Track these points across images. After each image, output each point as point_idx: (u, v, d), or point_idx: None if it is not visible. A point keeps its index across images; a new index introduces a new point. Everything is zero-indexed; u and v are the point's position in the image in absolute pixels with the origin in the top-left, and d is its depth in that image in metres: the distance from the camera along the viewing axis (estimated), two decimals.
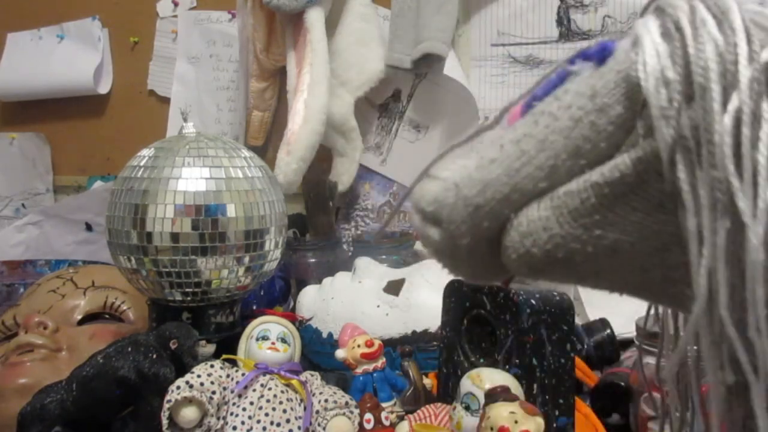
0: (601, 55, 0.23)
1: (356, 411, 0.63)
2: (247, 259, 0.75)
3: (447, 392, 0.68)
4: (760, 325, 0.19)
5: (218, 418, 0.61)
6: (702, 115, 0.19)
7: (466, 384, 0.59)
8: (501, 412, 0.51)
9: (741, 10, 0.20)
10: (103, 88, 1.34)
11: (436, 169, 0.25)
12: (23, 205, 1.43)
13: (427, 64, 1.05)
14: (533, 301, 0.60)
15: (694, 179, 0.19)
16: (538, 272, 0.24)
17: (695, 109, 0.19)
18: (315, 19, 0.98)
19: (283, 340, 0.69)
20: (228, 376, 0.63)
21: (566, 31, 1.03)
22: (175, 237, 0.71)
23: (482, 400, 0.56)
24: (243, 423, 0.60)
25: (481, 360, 0.66)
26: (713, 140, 0.19)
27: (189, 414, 0.58)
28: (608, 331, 0.82)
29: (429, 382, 0.72)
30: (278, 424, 0.61)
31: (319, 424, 0.62)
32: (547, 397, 0.61)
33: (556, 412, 0.62)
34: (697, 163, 0.19)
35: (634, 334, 0.70)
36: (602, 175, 0.22)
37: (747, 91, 0.19)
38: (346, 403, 0.64)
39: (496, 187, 0.23)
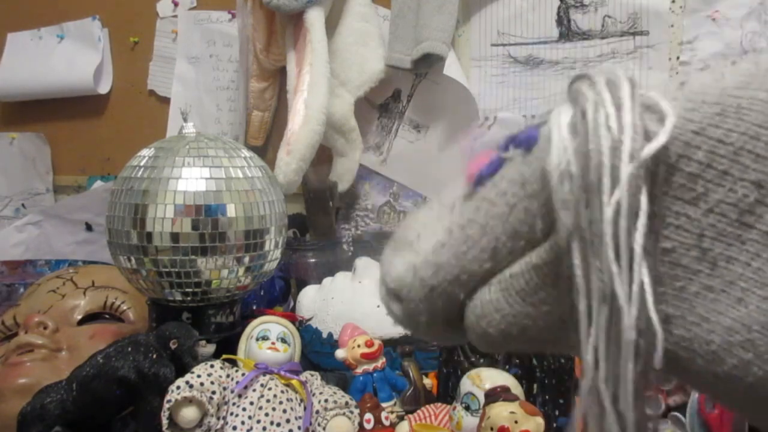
0: (527, 144, 0.24)
1: (356, 411, 0.64)
2: (247, 259, 0.75)
3: (447, 392, 0.68)
4: (628, 398, 0.21)
5: (218, 418, 0.61)
6: (592, 207, 0.21)
7: (466, 384, 0.59)
8: (501, 412, 0.51)
9: (634, 98, 0.21)
10: (103, 88, 1.34)
11: (403, 237, 0.27)
12: (23, 205, 1.43)
13: (427, 64, 1.04)
14: None
15: (588, 266, 0.21)
16: (498, 347, 0.26)
17: (590, 200, 0.21)
18: (315, 19, 0.98)
19: (283, 340, 0.69)
20: (228, 376, 0.63)
21: (566, 31, 1.03)
22: (175, 237, 0.71)
23: (482, 400, 0.56)
24: (243, 423, 0.60)
25: (481, 360, 0.66)
26: (599, 230, 0.21)
27: (189, 414, 0.58)
28: None
29: (429, 382, 0.72)
30: (278, 424, 0.61)
31: (319, 424, 0.62)
32: (547, 397, 0.61)
33: (556, 412, 0.62)
34: (590, 251, 0.21)
35: None
36: (540, 257, 0.23)
37: (626, 186, 0.20)
38: (346, 403, 0.64)
39: (447, 270, 0.25)
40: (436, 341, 0.30)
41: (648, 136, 0.21)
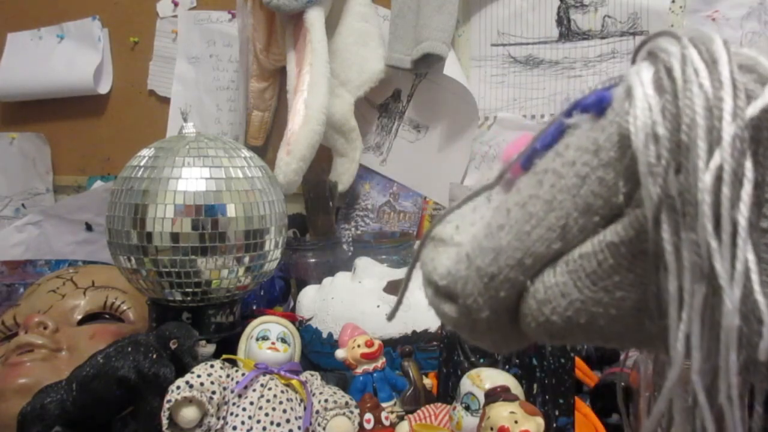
0: (599, 106, 0.22)
1: (356, 411, 0.63)
2: (247, 259, 0.75)
3: (447, 392, 0.68)
4: (731, 393, 0.18)
5: (218, 418, 0.61)
6: (686, 174, 0.18)
7: (466, 384, 0.59)
8: (501, 412, 0.51)
9: (731, 55, 0.19)
10: (103, 88, 1.34)
11: (441, 232, 0.24)
12: (23, 205, 1.43)
13: (427, 64, 1.05)
14: None
15: (679, 240, 0.18)
16: (560, 338, 0.23)
17: (682, 167, 0.19)
18: (315, 19, 0.98)
19: (283, 340, 0.69)
20: (228, 376, 0.63)
21: (566, 31, 1.03)
22: (175, 237, 0.71)
23: (482, 400, 0.56)
24: (243, 423, 0.60)
25: (481, 360, 0.66)
26: (694, 199, 0.18)
27: (189, 414, 0.58)
28: None
29: (429, 382, 0.72)
30: (278, 424, 0.61)
31: (319, 424, 0.62)
32: (547, 397, 0.61)
33: (556, 412, 0.62)
34: (682, 223, 0.18)
35: None
36: (617, 234, 0.21)
37: (729, 148, 0.18)
38: (346, 403, 0.64)
39: (509, 254, 0.22)
40: (499, 347, 0.25)
41: (750, 94, 0.18)
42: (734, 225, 0.18)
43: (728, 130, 0.18)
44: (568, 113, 0.22)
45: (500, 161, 0.24)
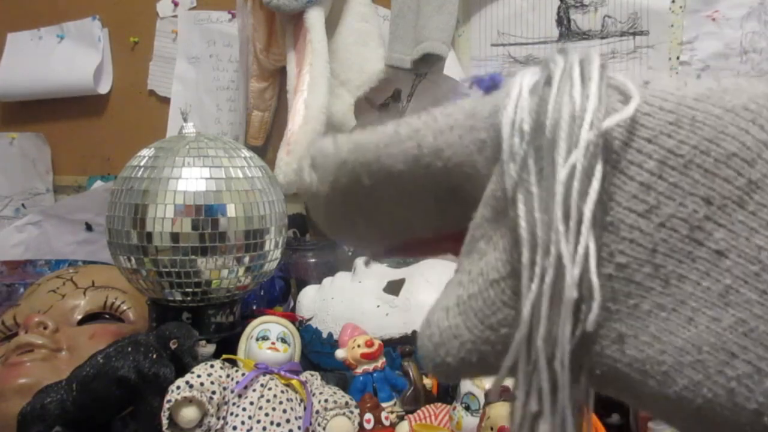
0: (488, 85, 0.25)
1: (356, 411, 0.63)
2: (247, 259, 0.75)
3: (447, 392, 0.68)
4: (563, 359, 0.21)
5: (218, 418, 0.61)
6: (546, 165, 0.21)
7: (466, 384, 0.59)
8: (501, 412, 0.51)
9: (602, 76, 0.22)
10: (103, 88, 1.34)
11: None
12: (23, 205, 1.43)
13: (427, 64, 1.04)
14: None
15: (533, 219, 0.21)
16: (455, 377, 0.25)
17: (541, 158, 0.22)
18: (315, 19, 0.98)
19: (283, 340, 0.69)
20: (228, 376, 0.63)
21: (566, 31, 1.03)
22: (175, 237, 0.71)
23: (482, 400, 0.56)
24: (243, 423, 0.60)
25: None
26: (551, 188, 0.21)
27: (189, 414, 0.58)
28: None
29: (429, 382, 0.72)
30: (278, 424, 0.61)
31: (319, 424, 0.62)
32: None
33: None
34: (536, 206, 0.21)
35: None
36: (497, 271, 0.23)
37: (583, 151, 0.21)
38: (346, 403, 0.64)
39: (363, 152, 0.25)
40: (336, 235, 0.30)
41: (610, 110, 0.22)
42: (580, 215, 0.21)
43: (585, 136, 0.21)
44: (469, 85, 0.26)
45: None
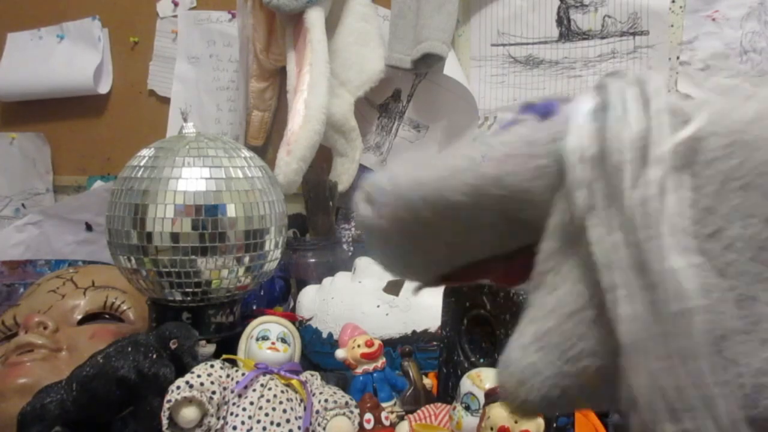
0: (544, 111, 0.25)
1: (356, 411, 0.63)
2: (247, 259, 0.75)
3: (447, 392, 0.68)
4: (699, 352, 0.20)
5: (218, 418, 0.61)
6: (615, 190, 0.21)
7: (466, 384, 0.59)
8: (501, 412, 0.51)
9: (663, 97, 0.22)
10: (103, 88, 1.34)
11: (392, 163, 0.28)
12: (23, 205, 1.43)
13: (427, 64, 1.04)
14: None
15: (607, 243, 0.21)
16: (536, 412, 0.25)
17: (609, 184, 0.21)
18: (315, 19, 0.98)
19: (283, 340, 0.69)
20: (228, 376, 0.63)
21: (566, 31, 1.03)
22: (175, 237, 0.71)
23: (482, 400, 0.56)
24: (243, 423, 0.60)
25: (481, 360, 0.66)
26: (624, 212, 0.21)
27: (189, 414, 0.58)
28: None
29: (429, 382, 0.72)
30: (278, 424, 0.61)
31: (319, 424, 0.62)
32: None
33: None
34: (609, 229, 0.21)
35: None
36: (576, 303, 0.23)
37: (658, 169, 0.21)
38: (346, 403, 0.64)
39: (426, 190, 0.25)
40: (390, 264, 0.29)
41: (675, 127, 0.21)
42: (658, 230, 0.21)
43: (655, 155, 0.21)
44: (522, 111, 0.26)
45: None
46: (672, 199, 0.21)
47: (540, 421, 0.52)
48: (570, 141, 0.22)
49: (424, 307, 0.79)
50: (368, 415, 0.63)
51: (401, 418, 0.65)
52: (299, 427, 0.62)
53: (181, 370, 0.63)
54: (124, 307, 0.81)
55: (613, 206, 0.21)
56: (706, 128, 0.22)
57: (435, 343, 0.77)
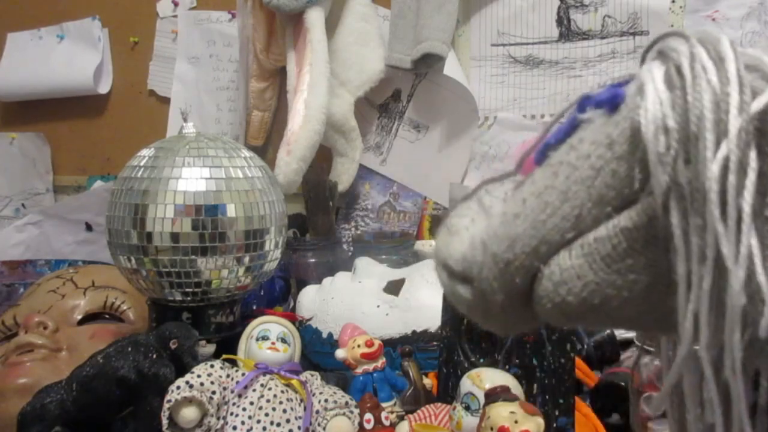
0: (613, 102, 0.23)
1: (356, 411, 0.63)
2: (247, 259, 0.75)
3: (447, 392, 0.68)
4: (735, 367, 0.19)
5: (218, 418, 0.61)
6: (695, 163, 0.20)
7: (466, 384, 0.59)
8: (501, 412, 0.51)
9: (737, 54, 0.20)
10: (103, 88, 1.34)
11: (456, 223, 0.25)
12: (23, 205, 1.43)
13: (427, 64, 1.05)
14: None
15: (687, 225, 0.20)
16: (574, 319, 0.24)
17: (691, 155, 0.20)
18: (315, 19, 0.98)
19: (283, 340, 0.69)
20: (228, 376, 0.63)
21: (566, 31, 1.03)
22: (175, 237, 0.71)
23: (482, 400, 0.56)
24: (243, 423, 0.60)
25: (481, 360, 0.66)
26: (702, 187, 0.19)
27: (189, 414, 0.58)
28: (608, 331, 0.82)
29: (429, 382, 0.72)
30: (278, 424, 0.61)
31: (319, 424, 0.62)
32: (547, 397, 0.61)
33: (556, 412, 0.62)
34: (690, 210, 0.20)
35: (634, 334, 0.70)
36: (631, 219, 0.22)
37: (735, 140, 0.19)
38: (346, 403, 0.64)
39: (524, 241, 0.23)
40: (510, 329, 0.27)
41: (755, 90, 0.20)
42: (739, 211, 0.19)
43: (734, 123, 0.19)
44: (581, 108, 0.23)
45: (513, 160, 0.25)
46: (751, 174, 0.19)
47: (540, 421, 0.51)
48: (647, 114, 0.20)
49: (424, 307, 0.79)
50: (368, 415, 0.63)
51: (401, 418, 0.65)
52: (299, 427, 0.62)
53: (181, 370, 0.63)
54: (124, 307, 0.81)
55: (693, 183, 0.19)
56: None
57: (435, 343, 0.77)
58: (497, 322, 0.26)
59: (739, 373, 0.19)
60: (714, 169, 0.19)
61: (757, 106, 0.19)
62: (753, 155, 0.19)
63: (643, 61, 0.23)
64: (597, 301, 0.23)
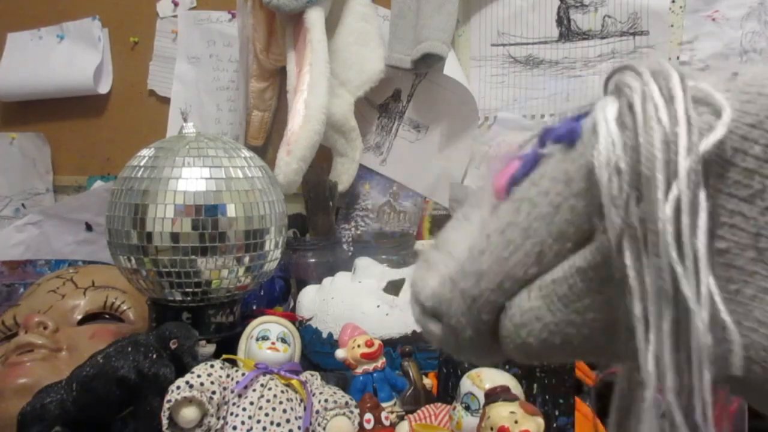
0: (569, 138, 0.23)
1: (356, 411, 0.63)
2: (247, 259, 0.75)
3: (447, 392, 0.68)
4: (706, 411, 0.19)
5: (218, 418, 0.61)
6: (647, 204, 0.20)
7: (466, 384, 0.59)
8: (501, 412, 0.51)
9: (686, 91, 0.20)
10: (103, 88, 1.34)
11: (432, 256, 0.25)
12: (23, 205, 1.43)
13: (427, 64, 1.04)
14: None
15: (641, 266, 0.20)
16: (537, 358, 0.24)
17: (643, 196, 0.20)
18: (315, 19, 0.98)
19: (283, 340, 0.69)
20: (228, 376, 0.63)
21: (566, 31, 1.03)
22: (175, 237, 0.71)
23: (482, 400, 0.56)
24: (243, 423, 0.60)
25: None
26: (656, 228, 0.19)
27: (189, 414, 0.58)
28: None
29: (429, 382, 0.72)
30: (278, 424, 0.61)
31: (319, 424, 0.62)
32: (547, 397, 0.61)
33: (556, 412, 0.62)
34: (643, 251, 0.20)
35: None
36: (585, 259, 0.22)
37: (685, 181, 0.19)
38: (346, 403, 0.64)
39: (490, 278, 0.23)
40: (482, 360, 0.28)
41: (702, 130, 0.20)
42: (695, 251, 0.19)
43: (683, 163, 0.19)
44: (542, 142, 0.24)
45: (489, 186, 0.25)
46: (702, 215, 0.19)
47: (540, 421, 0.52)
48: (599, 155, 0.21)
49: None
50: (368, 415, 0.63)
51: (401, 418, 0.65)
52: (299, 427, 0.62)
53: (181, 370, 0.63)
54: (124, 307, 0.81)
55: (646, 224, 0.20)
56: (749, 90, 0.20)
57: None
58: (469, 355, 0.26)
59: (710, 417, 0.19)
60: (667, 210, 0.19)
61: (705, 146, 0.20)
62: (703, 195, 0.19)
63: (606, 87, 0.23)
64: (557, 341, 0.23)
